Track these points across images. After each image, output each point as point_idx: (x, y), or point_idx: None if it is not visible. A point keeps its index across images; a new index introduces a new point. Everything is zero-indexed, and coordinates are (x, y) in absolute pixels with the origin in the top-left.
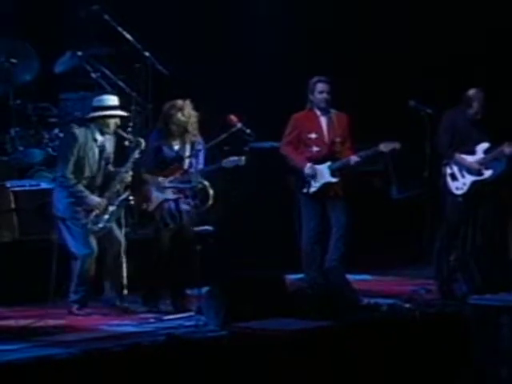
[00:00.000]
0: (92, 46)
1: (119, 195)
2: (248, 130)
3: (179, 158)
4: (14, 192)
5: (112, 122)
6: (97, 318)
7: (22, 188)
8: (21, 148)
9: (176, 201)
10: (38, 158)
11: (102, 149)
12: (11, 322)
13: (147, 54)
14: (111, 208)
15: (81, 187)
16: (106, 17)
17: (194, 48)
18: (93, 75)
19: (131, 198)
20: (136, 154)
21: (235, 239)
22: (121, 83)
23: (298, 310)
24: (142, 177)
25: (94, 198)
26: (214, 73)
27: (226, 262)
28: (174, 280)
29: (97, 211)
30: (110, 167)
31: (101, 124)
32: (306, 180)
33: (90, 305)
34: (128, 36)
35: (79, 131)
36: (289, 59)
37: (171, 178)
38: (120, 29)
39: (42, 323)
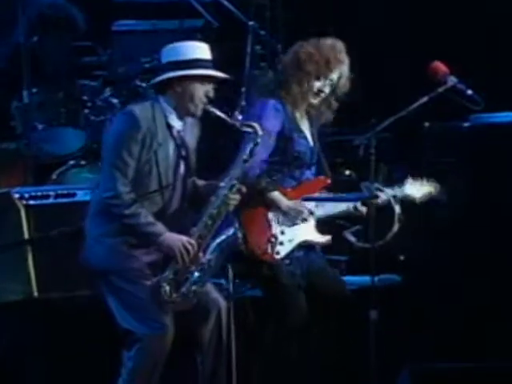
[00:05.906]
0: None
1: (218, 232)
2: (469, 91)
3: (313, 153)
4: (29, 208)
5: (200, 93)
6: None
7: (44, 201)
8: (40, 126)
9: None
10: (74, 146)
11: (180, 144)
12: None
13: None
14: (204, 258)
15: (149, 217)
16: None
17: None
18: None
19: (240, 235)
20: (247, 153)
21: (439, 293)
22: (228, 4)
23: None
24: (264, 196)
25: (173, 237)
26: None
27: (425, 336)
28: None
29: (177, 263)
30: (196, 179)
31: (178, 96)
32: None
33: None
34: None
35: (142, 111)
36: None
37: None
38: None
39: None
